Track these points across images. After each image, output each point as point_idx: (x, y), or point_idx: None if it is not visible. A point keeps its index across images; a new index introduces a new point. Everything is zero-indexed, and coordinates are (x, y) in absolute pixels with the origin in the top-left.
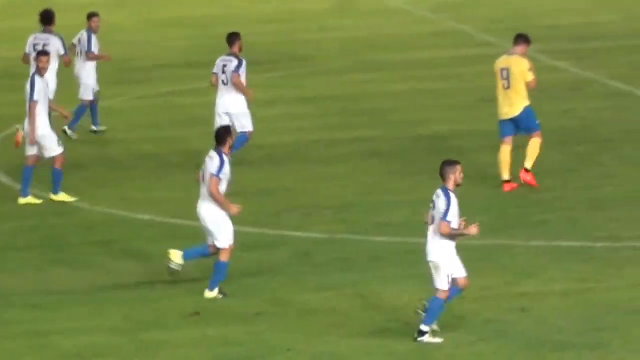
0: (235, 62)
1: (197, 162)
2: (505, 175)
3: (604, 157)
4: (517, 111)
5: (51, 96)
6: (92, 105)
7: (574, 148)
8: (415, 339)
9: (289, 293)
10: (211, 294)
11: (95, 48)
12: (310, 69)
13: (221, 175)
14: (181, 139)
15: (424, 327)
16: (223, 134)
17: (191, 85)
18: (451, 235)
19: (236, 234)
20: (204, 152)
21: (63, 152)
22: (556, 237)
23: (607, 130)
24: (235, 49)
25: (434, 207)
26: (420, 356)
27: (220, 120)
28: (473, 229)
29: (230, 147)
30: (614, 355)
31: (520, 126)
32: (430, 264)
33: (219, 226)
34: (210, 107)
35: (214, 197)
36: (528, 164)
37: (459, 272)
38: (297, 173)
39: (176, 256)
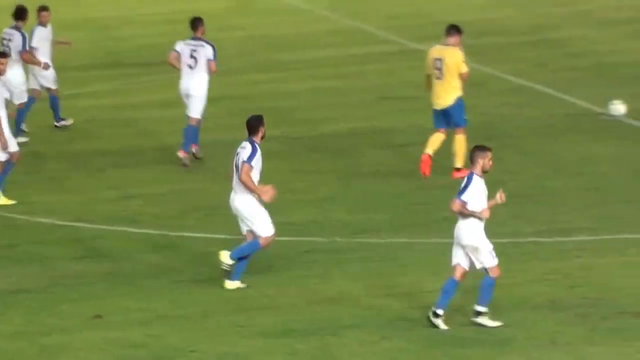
0: (209, 49)
1: (98, 166)
2: (429, 150)
3: (506, 153)
4: (449, 102)
5: (18, 93)
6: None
7: (476, 144)
8: (473, 320)
9: (191, 294)
10: (233, 284)
11: (40, 43)
12: None
13: (253, 163)
14: (81, 141)
15: (480, 308)
16: (256, 124)
17: (91, 88)
18: (462, 214)
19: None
20: (107, 154)
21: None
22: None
23: (508, 126)
24: (199, 33)
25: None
26: (323, 355)
27: (187, 101)
28: (485, 213)
29: (263, 136)
30: (519, 350)
31: (450, 119)
32: (468, 248)
33: (255, 217)
34: (109, 110)
35: (246, 184)
36: (458, 163)
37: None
38: (200, 174)
39: (224, 256)
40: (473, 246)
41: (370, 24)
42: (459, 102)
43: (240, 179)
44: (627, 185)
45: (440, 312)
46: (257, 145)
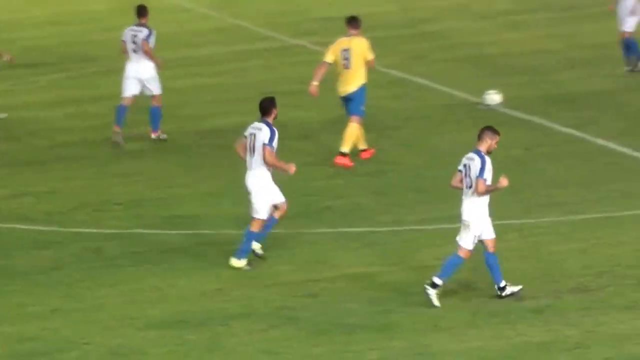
0: (146, 31)
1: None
2: (362, 146)
3: (385, 144)
4: (354, 88)
5: None
6: None
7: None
8: (425, 290)
9: (84, 288)
10: (239, 263)
11: None
12: (99, 68)
13: (274, 144)
14: None
15: (437, 280)
16: (268, 105)
17: None
18: (488, 192)
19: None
20: (7, 154)
21: None
22: (342, 224)
23: (387, 118)
24: (145, 20)
25: (466, 170)
26: (213, 345)
27: (130, 84)
28: (504, 181)
29: (275, 117)
30: (402, 336)
31: (349, 105)
32: (463, 222)
33: (259, 197)
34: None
35: (273, 165)
36: (345, 148)
37: (488, 233)
38: (88, 171)
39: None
40: (466, 223)
41: (251, 22)
42: (362, 89)
43: (266, 162)
44: (504, 172)
45: (438, 282)
46: (273, 127)
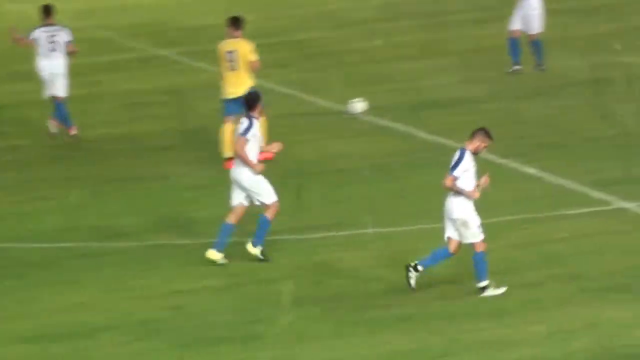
0: (69, 32)
1: None
2: (227, 154)
3: None
4: (243, 91)
5: None
6: None
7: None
8: (479, 294)
9: None
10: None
11: None
12: None
13: (248, 136)
14: None
15: (482, 284)
16: (254, 100)
17: None
18: (452, 189)
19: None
20: None
21: None
22: (207, 235)
23: None
24: (53, 20)
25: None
26: (79, 357)
27: (47, 83)
28: (475, 193)
29: (261, 113)
30: (268, 347)
31: (237, 107)
32: (458, 222)
33: (258, 185)
34: None
35: (240, 156)
36: (228, 153)
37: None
38: None
39: (251, 249)
40: (462, 220)
41: (115, 33)
42: None
43: (234, 150)
44: (367, 180)
45: (420, 268)
46: (254, 120)
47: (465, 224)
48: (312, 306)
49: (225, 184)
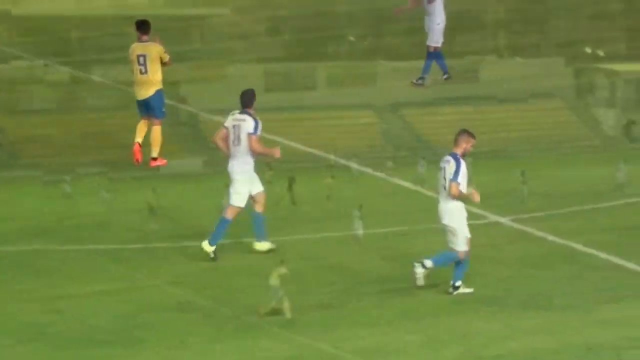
0: None
1: None
2: (138, 139)
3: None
4: (151, 93)
5: None
6: None
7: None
8: (451, 292)
9: None
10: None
11: None
12: None
13: (259, 133)
14: None
15: (457, 283)
16: (250, 97)
17: None
18: (460, 197)
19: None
20: None
21: None
22: (90, 241)
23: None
24: None
25: (443, 172)
26: None
27: None
28: (476, 197)
29: (255, 109)
30: (149, 351)
31: (149, 109)
32: (447, 228)
33: (241, 186)
34: None
35: (260, 153)
36: (154, 153)
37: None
38: None
39: (257, 246)
40: (452, 227)
41: None
42: (159, 94)
43: (254, 150)
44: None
45: (429, 264)
46: (255, 117)
47: (454, 231)
48: (193, 312)
49: (119, 190)
